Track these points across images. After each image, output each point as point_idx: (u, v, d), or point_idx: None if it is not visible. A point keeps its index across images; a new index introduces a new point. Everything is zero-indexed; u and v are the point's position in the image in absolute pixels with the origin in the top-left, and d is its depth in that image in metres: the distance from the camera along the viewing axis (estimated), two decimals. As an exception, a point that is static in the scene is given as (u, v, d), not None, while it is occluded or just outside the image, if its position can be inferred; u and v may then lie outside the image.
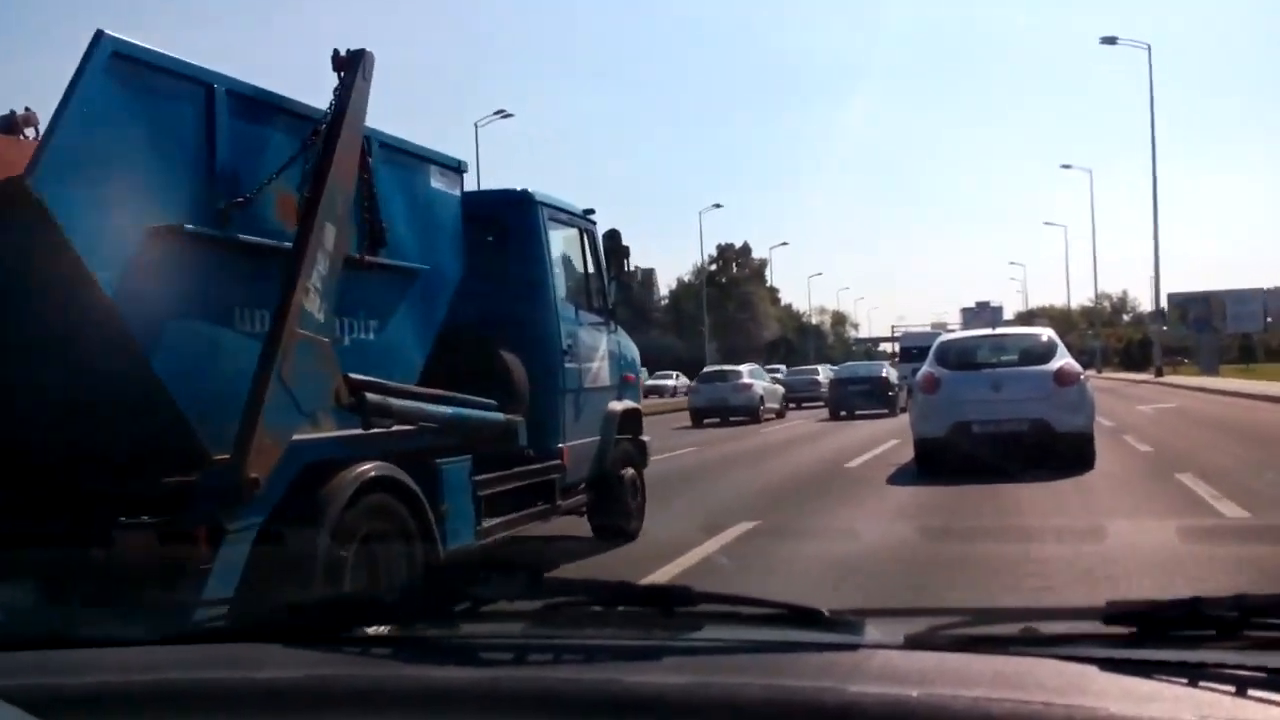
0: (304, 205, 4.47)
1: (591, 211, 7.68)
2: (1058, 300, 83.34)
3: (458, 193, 6.11)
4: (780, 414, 26.92)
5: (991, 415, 10.76)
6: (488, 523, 5.68)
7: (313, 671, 1.21)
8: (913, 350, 31.72)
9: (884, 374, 26.34)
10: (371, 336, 5.26)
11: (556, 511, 6.62)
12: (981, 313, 67.85)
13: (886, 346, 73.66)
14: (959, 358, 11.77)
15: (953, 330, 44.62)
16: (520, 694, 1.12)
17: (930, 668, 1.11)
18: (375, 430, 4.74)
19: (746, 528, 7.60)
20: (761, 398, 25.26)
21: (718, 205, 69.00)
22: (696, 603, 1.30)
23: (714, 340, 52.69)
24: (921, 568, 6.08)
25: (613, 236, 7.74)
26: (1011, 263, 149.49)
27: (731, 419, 24.48)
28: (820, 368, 35.75)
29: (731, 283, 72.18)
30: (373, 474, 4.61)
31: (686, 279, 71.19)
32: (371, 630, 1.37)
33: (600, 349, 7.54)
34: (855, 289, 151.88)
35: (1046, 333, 12.77)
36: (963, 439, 10.71)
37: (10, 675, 1.21)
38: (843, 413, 24.58)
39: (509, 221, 6.87)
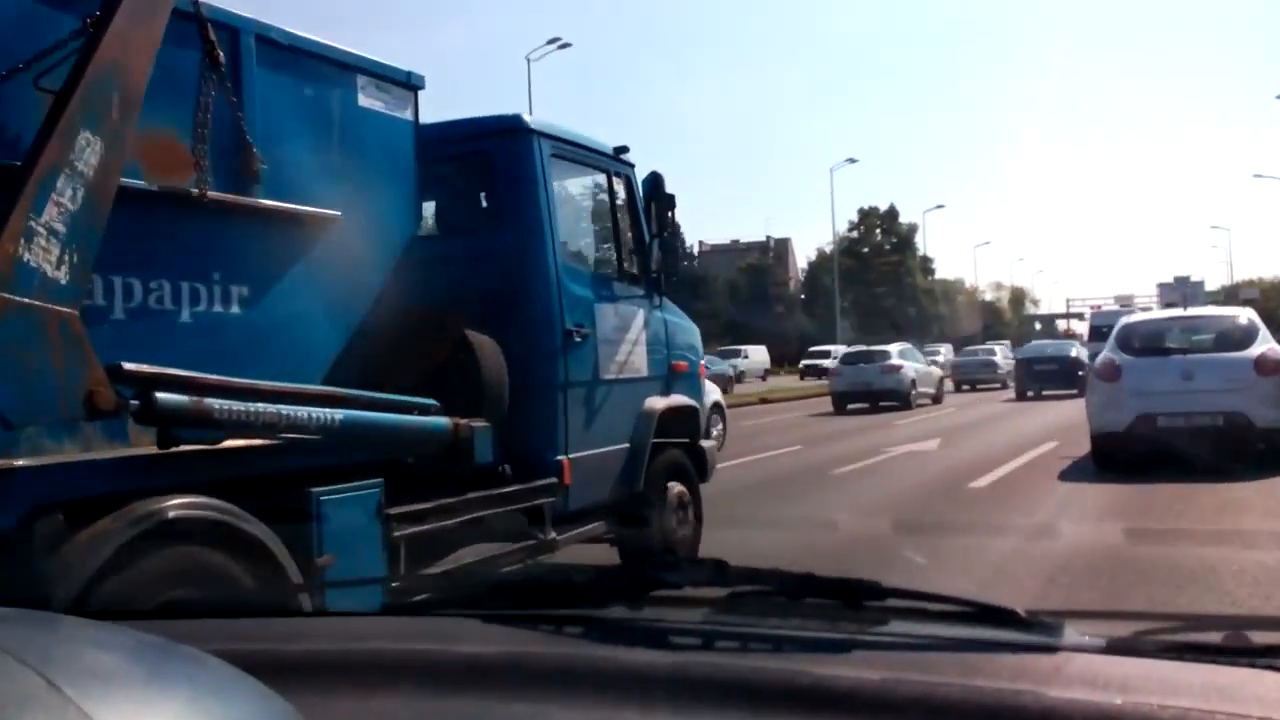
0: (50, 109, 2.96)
1: (624, 150, 5.88)
2: (1270, 270, 75.19)
3: (408, 116, 4.51)
4: (937, 399, 24.81)
5: (1180, 407, 9.76)
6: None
7: (508, 647, 1.21)
8: (1102, 329, 29.39)
9: (1073, 354, 25.71)
10: (236, 310, 3.72)
11: (550, 547, 4.92)
12: (1179, 287, 61.61)
13: (1060, 324, 67.92)
14: (1143, 342, 10.71)
15: (1147, 308, 40.86)
16: (709, 679, 1.08)
17: (1135, 674, 1.03)
18: (185, 449, 3.21)
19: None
20: (913, 381, 23.24)
21: (851, 160, 61.81)
22: (885, 597, 1.23)
23: (849, 317, 48.51)
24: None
25: (654, 182, 5.96)
26: (1213, 227, 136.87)
27: (881, 404, 22.60)
28: (996, 346, 34.57)
29: (874, 251, 64.20)
30: (170, 515, 3.08)
31: (827, 249, 63.05)
32: (563, 610, 1.33)
33: (633, 329, 5.79)
34: (1030, 261, 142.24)
35: (1245, 314, 11.38)
36: (1147, 433, 9.72)
37: (234, 640, 1.21)
38: (1029, 393, 24.48)
39: (493, 158, 5.19)
